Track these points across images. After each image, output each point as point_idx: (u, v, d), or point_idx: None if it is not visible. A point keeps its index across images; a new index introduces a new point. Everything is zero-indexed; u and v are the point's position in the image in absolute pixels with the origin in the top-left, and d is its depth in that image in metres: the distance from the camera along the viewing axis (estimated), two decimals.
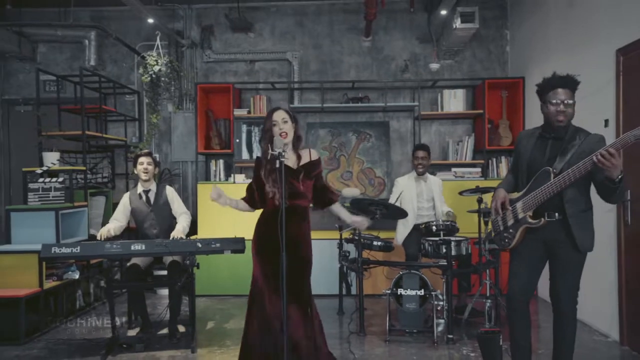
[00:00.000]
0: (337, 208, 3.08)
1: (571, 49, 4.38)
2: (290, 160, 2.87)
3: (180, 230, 3.92)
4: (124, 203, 4.09)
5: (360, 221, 3.10)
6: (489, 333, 2.67)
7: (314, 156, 2.96)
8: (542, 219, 2.62)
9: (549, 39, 4.85)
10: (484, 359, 2.67)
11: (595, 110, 3.84)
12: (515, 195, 2.77)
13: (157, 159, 5.68)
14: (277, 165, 2.60)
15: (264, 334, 2.81)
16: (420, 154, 4.55)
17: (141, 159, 4.04)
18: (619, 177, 2.38)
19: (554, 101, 2.58)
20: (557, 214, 2.61)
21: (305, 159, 2.92)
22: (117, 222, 4.01)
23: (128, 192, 4.19)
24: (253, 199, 2.95)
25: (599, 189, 2.56)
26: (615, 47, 3.64)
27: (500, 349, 2.60)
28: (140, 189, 4.11)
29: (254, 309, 2.89)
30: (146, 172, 4.04)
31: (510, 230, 2.75)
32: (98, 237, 3.75)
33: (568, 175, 2.50)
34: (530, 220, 2.65)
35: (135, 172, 4.10)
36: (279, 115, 2.85)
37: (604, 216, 3.68)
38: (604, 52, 3.80)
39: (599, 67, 3.87)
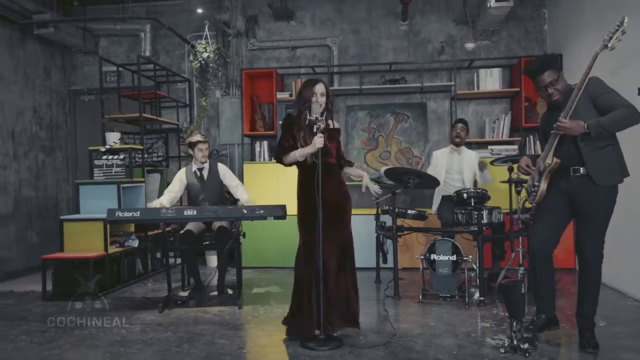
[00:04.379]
0: (350, 170, 3.41)
1: (606, 23, 4.38)
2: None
3: (247, 200, 4.35)
4: (180, 177, 4.50)
5: (362, 174, 3.38)
6: (511, 282, 2.83)
7: (336, 125, 3.34)
8: (555, 158, 2.79)
9: (585, 15, 4.87)
10: (506, 307, 2.83)
11: (628, 79, 3.88)
12: None
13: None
14: (315, 130, 3.01)
15: (311, 287, 3.08)
16: (459, 126, 4.80)
17: (200, 146, 4.42)
18: (586, 130, 2.62)
19: (541, 87, 2.84)
20: (581, 169, 2.75)
21: (330, 126, 3.26)
22: (171, 193, 4.41)
23: (184, 169, 4.60)
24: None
25: None
26: None
27: (523, 297, 2.74)
28: (194, 167, 4.51)
29: (300, 266, 3.16)
30: (206, 156, 4.49)
31: (536, 184, 2.93)
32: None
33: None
34: (546, 165, 2.83)
35: (191, 152, 4.51)
36: (320, 89, 3.12)
37: None
38: (637, 23, 3.82)
39: (633, 38, 3.87)
